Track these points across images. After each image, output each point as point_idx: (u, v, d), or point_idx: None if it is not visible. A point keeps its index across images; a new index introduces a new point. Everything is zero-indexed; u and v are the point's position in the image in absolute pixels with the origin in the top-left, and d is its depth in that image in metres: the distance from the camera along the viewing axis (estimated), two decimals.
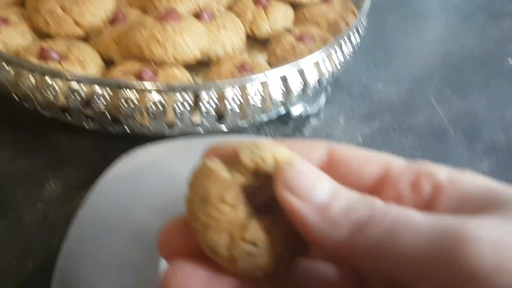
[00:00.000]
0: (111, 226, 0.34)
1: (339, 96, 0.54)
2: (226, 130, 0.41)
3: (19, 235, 0.36)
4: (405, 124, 0.51)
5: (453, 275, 0.14)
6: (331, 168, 0.20)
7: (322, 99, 0.50)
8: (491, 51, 0.66)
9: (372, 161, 0.21)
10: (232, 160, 0.19)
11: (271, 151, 0.18)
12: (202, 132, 0.41)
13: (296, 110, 0.47)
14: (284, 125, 0.48)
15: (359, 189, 0.19)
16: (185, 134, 0.41)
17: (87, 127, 0.40)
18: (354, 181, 0.20)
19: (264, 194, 0.18)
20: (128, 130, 0.39)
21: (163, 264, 0.31)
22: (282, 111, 0.46)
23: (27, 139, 0.45)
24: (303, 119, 0.49)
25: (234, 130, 0.45)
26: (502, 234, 0.15)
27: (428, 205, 0.19)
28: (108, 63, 0.46)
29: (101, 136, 0.45)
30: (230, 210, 0.17)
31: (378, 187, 0.20)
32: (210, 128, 0.40)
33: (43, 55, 0.40)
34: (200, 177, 0.19)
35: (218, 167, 0.19)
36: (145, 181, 0.37)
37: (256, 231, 0.17)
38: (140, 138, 0.41)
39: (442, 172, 0.20)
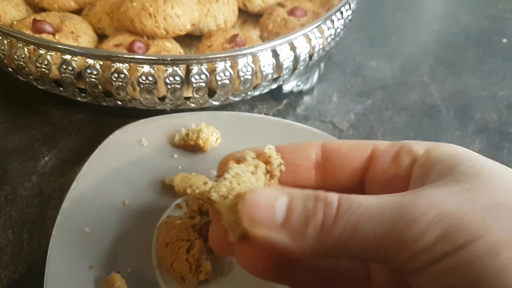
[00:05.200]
0: (104, 199, 0.34)
1: (332, 74, 0.54)
2: (217, 103, 0.41)
3: (15, 208, 0.36)
4: (398, 102, 0.51)
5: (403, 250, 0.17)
6: (326, 160, 0.24)
7: (315, 76, 0.50)
8: (485, 30, 0.66)
9: (360, 145, 0.24)
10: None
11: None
12: (194, 106, 0.41)
13: (288, 86, 0.47)
14: (277, 102, 0.48)
15: (351, 172, 0.23)
16: (177, 108, 0.41)
17: (79, 100, 0.40)
18: (346, 165, 0.23)
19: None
20: (120, 103, 0.39)
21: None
22: (274, 87, 0.46)
23: (22, 114, 0.45)
24: (296, 96, 0.49)
25: (226, 105, 0.45)
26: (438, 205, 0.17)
27: (407, 174, 0.22)
28: (102, 37, 0.46)
29: (94, 111, 0.45)
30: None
31: (366, 166, 0.23)
32: (202, 102, 0.40)
33: (36, 27, 0.40)
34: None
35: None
36: (137, 155, 0.37)
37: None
38: (132, 113, 0.41)
39: (420, 146, 0.22)
